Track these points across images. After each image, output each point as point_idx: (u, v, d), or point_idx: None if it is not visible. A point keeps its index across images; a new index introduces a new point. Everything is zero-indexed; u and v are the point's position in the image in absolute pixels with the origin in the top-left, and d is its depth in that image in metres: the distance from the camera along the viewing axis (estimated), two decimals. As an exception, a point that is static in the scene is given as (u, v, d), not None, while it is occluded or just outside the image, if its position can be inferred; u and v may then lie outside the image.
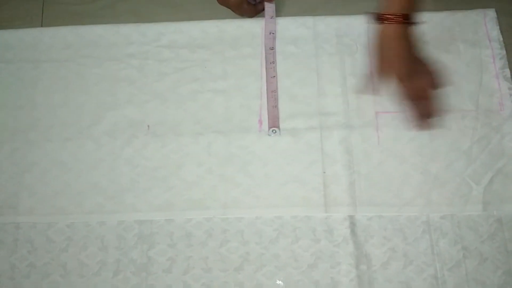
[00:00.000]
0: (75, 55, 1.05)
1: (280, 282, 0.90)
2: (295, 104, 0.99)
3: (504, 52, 1.01)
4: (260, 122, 0.98)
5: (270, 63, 1.03)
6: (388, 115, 0.98)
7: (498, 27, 1.04)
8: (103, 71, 1.03)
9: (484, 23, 1.04)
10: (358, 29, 1.05)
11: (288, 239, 0.91)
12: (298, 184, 0.94)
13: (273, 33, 1.05)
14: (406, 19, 0.89)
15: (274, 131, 0.98)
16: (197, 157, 0.96)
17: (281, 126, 0.99)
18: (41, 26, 1.10)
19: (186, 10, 1.09)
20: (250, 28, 1.06)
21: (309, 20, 1.05)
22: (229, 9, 1.03)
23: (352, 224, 0.91)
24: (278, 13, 1.07)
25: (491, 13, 1.05)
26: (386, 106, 0.99)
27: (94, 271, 0.91)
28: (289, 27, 1.05)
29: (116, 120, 1.00)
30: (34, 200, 0.95)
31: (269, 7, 1.06)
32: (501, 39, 1.03)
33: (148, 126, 0.99)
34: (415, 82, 0.91)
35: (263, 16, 1.06)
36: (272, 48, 1.04)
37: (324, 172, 0.94)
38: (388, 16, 0.89)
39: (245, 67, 1.03)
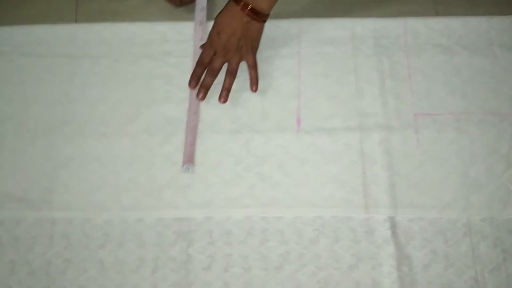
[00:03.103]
0: (111, 52, 1.04)
1: None
2: (333, 104, 0.99)
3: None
4: (298, 121, 0.97)
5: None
6: (427, 117, 0.98)
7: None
8: (139, 69, 1.03)
9: None
10: (395, 31, 1.05)
11: (329, 239, 0.91)
12: (338, 185, 0.94)
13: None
14: (256, 15, 0.96)
15: (187, 168, 0.97)
16: (235, 155, 0.96)
17: (319, 125, 0.99)
18: (75, 22, 1.06)
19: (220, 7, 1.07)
20: (287, 29, 1.05)
21: (346, 22, 1.04)
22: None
23: (393, 226, 0.91)
24: (317, 15, 1.06)
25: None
26: (425, 108, 0.99)
27: (132, 268, 0.90)
28: (327, 28, 1.05)
29: (153, 117, 0.99)
30: (70, 195, 0.94)
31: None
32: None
33: (186, 123, 0.97)
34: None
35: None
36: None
37: (364, 173, 0.94)
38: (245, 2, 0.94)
39: (281, 67, 1.01)
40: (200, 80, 1.00)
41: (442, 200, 0.94)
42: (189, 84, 0.98)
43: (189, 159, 0.96)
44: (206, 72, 0.99)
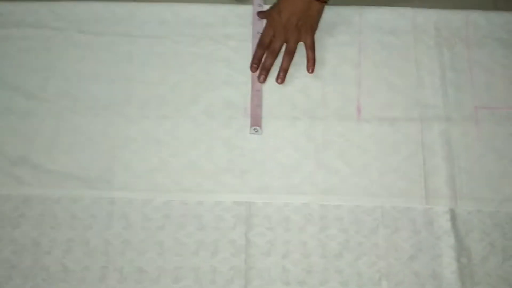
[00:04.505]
0: (171, 32, 1.03)
1: None
2: (393, 93, 0.98)
3: None
4: (358, 110, 0.97)
5: (257, 33, 1.03)
6: (487, 110, 0.98)
7: None
8: (200, 50, 1.02)
9: None
10: (456, 23, 1.04)
11: (388, 229, 0.91)
12: (398, 175, 0.94)
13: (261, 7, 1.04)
14: None
15: (255, 130, 0.97)
16: (294, 141, 0.96)
17: (379, 114, 0.99)
18: (134, 0, 1.06)
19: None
20: (348, 16, 1.04)
21: (408, 11, 1.04)
22: None
23: (453, 217, 0.91)
24: (378, 3, 1.05)
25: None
26: (485, 101, 0.99)
27: (191, 250, 0.90)
28: (388, 17, 1.04)
29: (213, 100, 0.99)
30: (129, 176, 0.94)
31: None
32: None
33: (245, 108, 0.96)
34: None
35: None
36: (259, 33, 1.02)
37: (424, 164, 0.94)
38: None
39: (341, 54, 1.01)
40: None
41: (501, 193, 0.94)
42: (251, 67, 0.99)
43: (256, 121, 0.96)
44: (266, 53, 0.99)
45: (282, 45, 0.98)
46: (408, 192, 0.93)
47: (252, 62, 0.98)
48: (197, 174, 0.94)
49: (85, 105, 0.98)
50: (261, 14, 1.02)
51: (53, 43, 1.02)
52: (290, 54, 0.98)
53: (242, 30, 1.04)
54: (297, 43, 0.98)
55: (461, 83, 0.99)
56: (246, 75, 1.01)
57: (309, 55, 0.98)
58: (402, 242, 0.90)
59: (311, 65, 0.98)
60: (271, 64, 0.99)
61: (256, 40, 1.03)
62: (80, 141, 0.96)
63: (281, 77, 0.98)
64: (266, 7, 1.05)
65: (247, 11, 1.06)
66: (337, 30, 1.04)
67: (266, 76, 0.98)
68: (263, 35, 0.99)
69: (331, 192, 0.93)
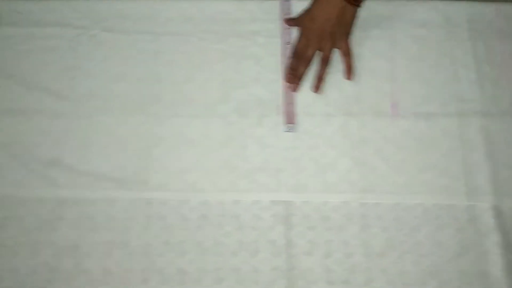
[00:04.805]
0: (196, 30, 1.01)
1: None
2: (429, 88, 0.97)
3: None
4: (394, 105, 0.95)
5: (286, 43, 1.02)
6: (526, 104, 0.95)
7: None
8: (227, 47, 1.00)
9: None
10: (489, 16, 1.02)
11: (431, 227, 0.89)
12: (438, 172, 0.92)
13: (289, 14, 1.03)
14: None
15: (289, 127, 0.95)
16: (329, 139, 0.94)
17: (415, 110, 0.97)
18: (158, -3, 1.03)
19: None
20: (380, 10, 1.02)
21: (439, 4, 1.02)
22: None
23: (498, 214, 0.90)
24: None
25: None
26: (523, 95, 0.95)
27: (231, 250, 0.88)
28: (420, 10, 1.02)
29: (244, 98, 0.97)
30: (165, 176, 0.92)
31: None
32: None
33: (277, 106, 0.94)
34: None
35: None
36: (288, 29, 1.02)
37: (464, 160, 0.91)
38: None
39: (374, 49, 0.99)
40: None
41: (546, 188, 0.89)
42: (285, 78, 0.96)
43: (290, 118, 0.94)
44: (299, 61, 0.96)
45: (315, 52, 0.95)
46: (449, 189, 0.91)
47: (286, 72, 0.96)
48: (232, 173, 0.92)
49: (114, 105, 0.95)
50: (290, 22, 0.99)
51: (78, 42, 0.99)
52: (325, 62, 0.95)
53: (270, 25, 1.02)
54: (332, 50, 0.95)
55: (497, 77, 0.97)
56: (276, 73, 0.99)
57: (346, 62, 0.96)
58: (446, 240, 0.89)
59: (349, 71, 0.96)
60: (304, 73, 0.96)
61: (285, 36, 1.00)
62: (112, 142, 0.93)
63: (317, 86, 0.96)
64: (293, 3, 1.02)
65: (274, 6, 1.04)
66: (368, 24, 1.01)
67: (298, 85, 0.96)
68: (296, 43, 0.96)
69: (370, 190, 0.91)
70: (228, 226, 0.89)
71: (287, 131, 0.94)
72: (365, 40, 0.99)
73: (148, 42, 1.01)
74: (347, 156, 0.93)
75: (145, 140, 0.94)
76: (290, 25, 1.00)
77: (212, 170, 0.93)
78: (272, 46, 1.01)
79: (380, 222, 0.90)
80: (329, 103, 0.96)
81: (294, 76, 0.96)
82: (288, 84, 0.97)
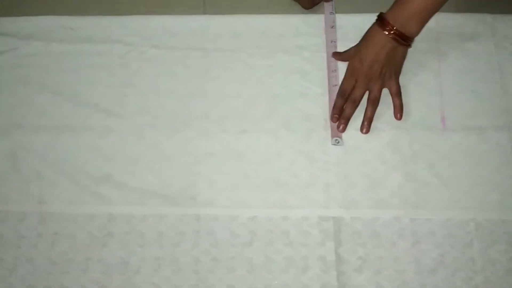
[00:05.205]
0: (244, 45, 1.01)
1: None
2: (478, 101, 0.96)
3: None
4: (443, 119, 0.94)
5: (332, 71, 1.00)
6: None
7: None
8: (274, 63, 1.01)
9: None
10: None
11: (484, 243, 0.89)
12: (490, 186, 0.92)
13: (333, 27, 1.03)
14: (403, 39, 0.89)
15: (336, 141, 0.96)
16: (380, 153, 0.93)
17: (465, 124, 0.97)
18: (204, 13, 1.04)
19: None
20: (427, 23, 1.00)
21: (486, 18, 1.01)
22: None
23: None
24: (456, 9, 1.03)
25: None
26: None
27: (281, 267, 0.88)
28: (466, 23, 1.01)
29: (291, 113, 0.97)
30: (213, 192, 0.92)
31: (328, 4, 1.03)
32: None
33: (325, 120, 0.94)
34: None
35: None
36: (333, 41, 1.02)
37: (518, 175, 0.90)
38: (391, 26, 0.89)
39: (420, 62, 0.99)
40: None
41: None
42: (331, 118, 0.95)
43: (336, 132, 0.95)
44: (347, 102, 0.94)
45: (364, 93, 0.94)
46: (501, 204, 0.90)
47: (333, 113, 0.94)
48: (281, 189, 0.92)
49: (164, 121, 0.96)
50: (337, 57, 0.98)
51: (128, 59, 1.00)
52: (374, 104, 0.94)
53: (315, 40, 1.02)
54: (381, 90, 0.94)
55: None
56: (322, 87, 1.00)
57: (396, 103, 0.94)
58: (498, 256, 0.88)
59: (399, 111, 0.94)
60: (352, 114, 0.94)
61: (330, 50, 1.00)
62: (161, 158, 0.94)
63: (366, 127, 0.95)
64: (338, 16, 1.04)
65: (319, 20, 1.05)
66: (416, 38, 0.99)
67: (346, 125, 0.94)
68: (344, 84, 0.95)
69: (421, 206, 0.91)
70: (278, 243, 0.89)
71: (334, 145, 0.92)
72: (413, 54, 0.99)
73: (197, 58, 1.02)
74: (397, 171, 0.92)
75: (194, 156, 0.95)
76: (337, 59, 1.00)
77: (261, 186, 0.93)
78: (318, 60, 1.02)
79: (432, 238, 0.89)
80: (378, 117, 0.95)
81: (342, 117, 0.95)
82: (332, 86, 0.97)
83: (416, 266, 0.87)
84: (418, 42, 0.97)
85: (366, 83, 0.94)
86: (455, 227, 0.89)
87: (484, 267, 0.87)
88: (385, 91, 0.97)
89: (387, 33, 0.89)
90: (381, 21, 0.90)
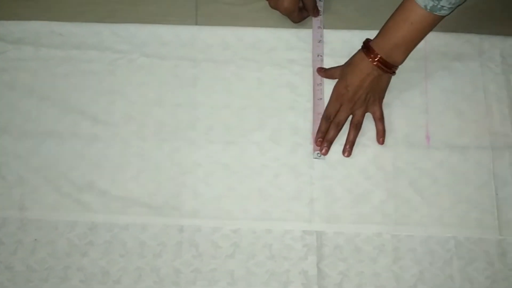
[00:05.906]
0: (235, 57, 1.02)
1: None
2: (462, 121, 0.97)
3: None
4: (428, 137, 0.95)
5: (318, 84, 1.01)
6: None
7: None
8: (264, 75, 1.01)
9: None
10: (523, 51, 1.01)
11: (462, 260, 0.90)
12: (470, 205, 0.93)
13: (321, 41, 1.04)
14: (388, 67, 0.91)
15: (318, 155, 0.96)
16: (363, 169, 0.94)
17: (449, 142, 0.98)
18: (196, 24, 1.04)
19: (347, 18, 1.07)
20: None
21: (474, 38, 1.02)
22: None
23: (531, 249, 0.88)
24: (444, 28, 1.02)
25: None
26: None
27: (262, 280, 0.89)
28: (454, 43, 1.02)
29: (279, 126, 0.97)
30: (197, 202, 0.93)
31: (316, 19, 1.04)
32: None
33: (313, 134, 0.95)
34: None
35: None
36: (320, 55, 1.03)
37: (497, 194, 0.91)
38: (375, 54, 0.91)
39: (407, 80, 1.00)
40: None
41: None
42: (315, 142, 0.95)
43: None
44: (331, 125, 0.95)
45: (347, 117, 0.95)
46: (481, 223, 0.92)
47: (317, 136, 0.95)
48: (265, 201, 0.93)
49: (150, 130, 0.96)
50: (322, 73, 1.00)
51: (117, 66, 1.00)
52: (357, 128, 0.95)
53: (305, 54, 1.03)
54: (364, 115, 0.95)
55: None
56: (311, 101, 1.01)
57: (379, 127, 0.96)
58: (477, 274, 0.89)
59: (381, 136, 0.96)
60: (335, 137, 0.95)
61: (316, 64, 1.02)
62: (146, 167, 0.94)
63: (348, 150, 0.95)
64: (325, 31, 1.04)
65: (309, 34, 1.05)
66: (402, 56, 1.01)
67: (328, 148, 0.95)
68: (329, 108, 0.96)
69: (403, 222, 0.92)
70: (260, 255, 0.90)
71: (316, 158, 0.94)
72: (401, 71, 0.99)
73: (187, 68, 1.03)
74: (380, 187, 0.93)
75: (179, 166, 0.95)
76: (321, 76, 1.01)
77: (245, 198, 0.94)
78: (308, 74, 1.02)
79: (412, 255, 0.90)
80: (363, 134, 0.96)
81: (325, 139, 0.95)
82: (317, 100, 0.98)
83: (396, 282, 0.88)
84: (406, 60, 0.97)
85: (351, 107, 0.95)
86: (435, 244, 0.90)
87: (463, 285, 0.88)
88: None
89: (372, 61, 0.91)
90: (367, 49, 0.91)
